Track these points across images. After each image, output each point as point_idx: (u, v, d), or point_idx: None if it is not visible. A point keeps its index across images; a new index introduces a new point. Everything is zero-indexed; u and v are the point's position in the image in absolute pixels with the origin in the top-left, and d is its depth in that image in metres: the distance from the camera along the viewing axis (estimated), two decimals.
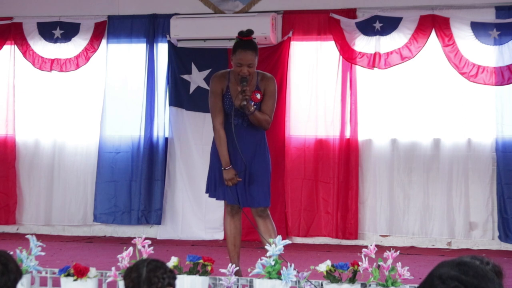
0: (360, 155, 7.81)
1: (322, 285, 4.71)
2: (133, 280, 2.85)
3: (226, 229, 5.69)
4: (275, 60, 8.00)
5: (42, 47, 8.48)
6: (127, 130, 8.34)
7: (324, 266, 4.65)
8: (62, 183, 8.49)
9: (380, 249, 4.82)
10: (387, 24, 7.67)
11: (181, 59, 8.20)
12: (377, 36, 7.68)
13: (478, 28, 7.48)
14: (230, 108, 5.38)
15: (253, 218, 5.54)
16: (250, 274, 4.76)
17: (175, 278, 2.91)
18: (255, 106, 5.32)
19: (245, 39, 5.34)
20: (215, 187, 5.50)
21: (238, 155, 5.36)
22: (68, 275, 4.82)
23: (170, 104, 8.23)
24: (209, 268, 4.85)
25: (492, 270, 2.39)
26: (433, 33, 7.57)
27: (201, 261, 4.86)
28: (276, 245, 4.66)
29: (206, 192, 5.66)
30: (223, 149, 5.37)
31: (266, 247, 4.71)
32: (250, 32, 5.39)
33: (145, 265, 2.87)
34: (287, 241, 4.74)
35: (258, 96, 5.36)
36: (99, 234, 8.38)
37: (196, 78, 8.18)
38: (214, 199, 5.73)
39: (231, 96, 5.38)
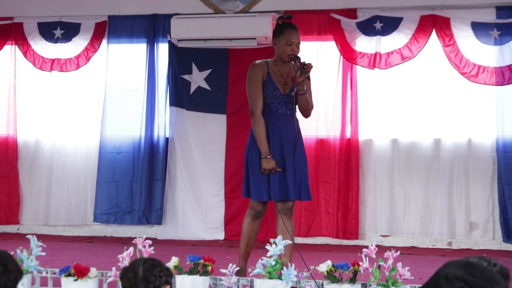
0: (361, 155, 7.81)
1: (322, 285, 4.71)
2: (130, 280, 2.84)
3: (243, 228, 5.49)
4: None
5: (42, 47, 8.48)
6: (128, 130, 8.34)
7: (324, 266, 4.65)
8: (63, 183, 8.50)
9: (381, 249, 4.82)
10: (387, 24, 7.67)
11: (181, 59, 8.20)
12: (378, 36, 7.68)
13: (479, 28, 7.48)
14: (272, 95, 5.30)
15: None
16: (250, 274, 4.76)
17: (171, 276, 2.91)
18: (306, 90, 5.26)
19: (288, 21, 5.37)
20: (260, 187, 5.32)
21: (278, 144, 5.27)
22: (69, 275, 4.83)
23: (171, 104, 8.23)
24: (209, 268, 4.85)
25: (499, 272, 2.39)
26: (434, 33, 7.57)
27: (201, 261, 4.85)
28: (276, 245, 4.66)
29: (248, 195, 5.44)
30: (264, 137, 5.23)
31: (266, 247, 4.71)
32: (290, 16, 5.46)
33: (141, 264, 2.87)
34: (288, 241, 4.74)
35: (305, 88, 5.32)
36: (99, 234, 8.38)
37: (197, 78, 8.18)
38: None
39: (275, 82, 5.31)
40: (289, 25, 5.34)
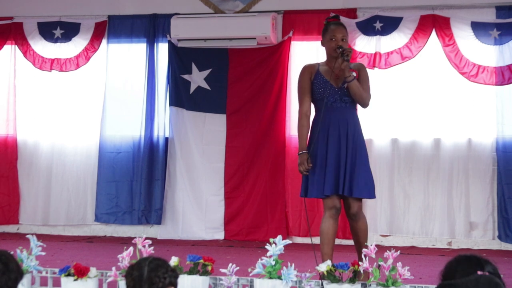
0: None
1: (322, 285, 4.71)
2: (135, 279, 2.84)
3: (328, 230, 5.31)
4: (275, 60, 8.00)
5: (42, 47, 8.49)
6: (128, 130, 8.34)
7: (324, 266, 4.65)
8: (63, 183, 8.50)
9: (381, 249, 4.82)
10: (387, 24, 7.67)
11: (181, 59, 8.20)
12: (378, 36, 7.68)
13: (479, 28, 7.49)
14: (324, 90, 5.20)
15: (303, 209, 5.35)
16: (250, 274, 4.76)
17: (177, 277, 2.90)
18: (355, 77, 5.19)
19: (333, 20, 5.39)
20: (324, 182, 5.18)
21: (336, 137, 5.17)
22: (69, 275, 4.82)
23: (171, 104, 8.24)
24: (209, 268, 4.84)
25: (495, 274, 2.40)
26: (434, 33, 7.58)
27: (201, 261, 4.85)
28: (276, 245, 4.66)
29: (320, 194, 5.24)
30: (301, 135, 5.20)
31: (266, 247, 4.70)
32: (337, 16, 5.50)
33: (146, 264, 2.86)
34: (288, 241, 4.73)
35: (354, 74, 5.23)
36: (99, 234, 8.38)
37: (197, 78, 8.18)
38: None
39: (325, 77, 5.24)
40: (332, 23, 5.36)
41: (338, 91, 5.24)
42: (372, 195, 5.30)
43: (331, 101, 5.24)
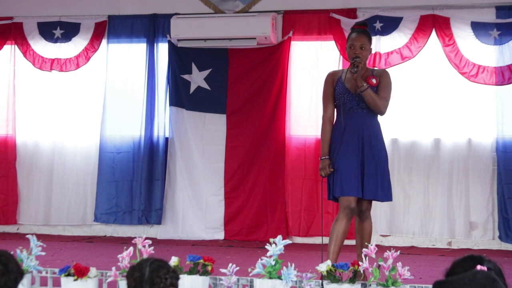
0: None
1: (322, 285, 4.71)
2: (136, 279, 2.85)
3: (338, 231, 5.32)
4: (275, 60, 8.00)
5: (42, 47, 8.49)
6: (128, 130, 8.34)
7: (324, 266, 4.65)
8: (63, 183, 8.50)
9: (381, 249, 4.81)
10: (387, 24, 7.67)
11: (181, 59, 8.20)
12: (378, 36, 7.68)
13: (479, 28, 7.49)
14: (343, 96, 5.27)
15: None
16: (250, 274, 4.76)
17: (178, 279, 2.90)
18: (369, 86, 5.20)
19: (358, 27, 5.39)
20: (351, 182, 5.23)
21: (354, 143, 5.23)
22: (69, 275, 4.82)
23: (171, 104, 8.24)
24: (209, 268, 4.84)
25: (496, 272, 2.39)
26: (434, 33, 7.58)
27: (201, 261, 4.85)
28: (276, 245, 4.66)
29: (340, 194, 5.24)
30: (324, 140, 5.37)
31: (266, 247, 4.70)
32: (364, 23, 5.49)
33: (148, 264, 2.87)
34: (288, 241, 4.73)
35: (374, 81, 5.26)
36: (99, 234, 8.38)
37: (197, 78, 8.18)
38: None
39: (345, 84, 5.29)
40: (355, 30, 5.37)
41: (356, 98, 5.28)
42: (388, 198, 5.35)
43: (349, 106, 5.30)
